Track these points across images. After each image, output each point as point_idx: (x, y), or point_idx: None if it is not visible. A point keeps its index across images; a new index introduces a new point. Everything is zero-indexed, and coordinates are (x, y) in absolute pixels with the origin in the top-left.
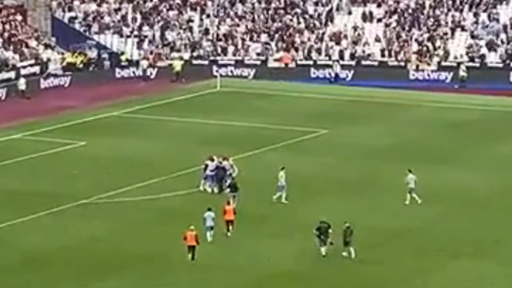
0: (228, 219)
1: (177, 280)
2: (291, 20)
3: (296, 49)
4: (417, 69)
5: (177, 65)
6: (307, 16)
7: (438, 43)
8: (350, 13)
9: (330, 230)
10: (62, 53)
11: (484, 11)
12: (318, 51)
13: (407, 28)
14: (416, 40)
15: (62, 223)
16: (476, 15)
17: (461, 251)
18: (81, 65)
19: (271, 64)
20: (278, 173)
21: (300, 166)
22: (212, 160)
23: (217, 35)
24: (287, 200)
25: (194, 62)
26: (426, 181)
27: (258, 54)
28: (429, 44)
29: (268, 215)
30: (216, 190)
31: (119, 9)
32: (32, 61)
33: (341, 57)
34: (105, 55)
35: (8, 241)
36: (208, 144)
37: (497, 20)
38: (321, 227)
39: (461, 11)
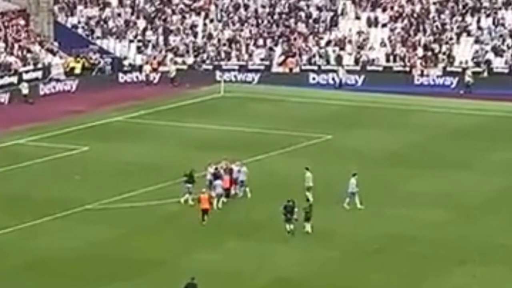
0: (204, 207)
1: (180, 286)
2: (295, 24)
3: (301, 54)
4: (422, 74)
5: (173, 70)
6: (311, 21)
7: (443, 48)
8: (358, 18)
9: (295, 209)
10: (65, 58)
11: (489, 16)
12: (322, 56)
13: (412, 33)
14: (421, 45)
15: (67, 228)
16: (481, 20)
17: (466, 256)
18: (83, 70)
19: (275, 69)
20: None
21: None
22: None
23: (219, 40)
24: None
25: (198, 67)
26: (431, 186)
27: (262, 59)
28: (436, 48)
29: (269, 220)
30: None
31: (122, 14)
32: (35, 66)
33: (344, 62)
34: (108, 60)
35: (14, 246)
36: (212, 149)
37: (503, 25)
38: (287, 206)
39: (466, 15)
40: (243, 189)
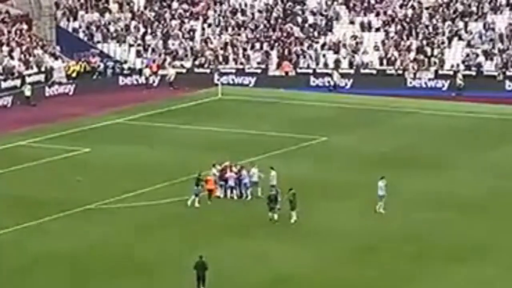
0: (209, 188)
1: (182, 284)
2: (291, 29)
3: (297, 57)
4: (414, 77)
5: (171, 73)
6: (306, 26)
7: (435, 51)
8: (352, 22)
9: (279, 198)
10: (66, 61)
11: (478, 20)
12: (317, 59)
13: (404, 37)
14: (413, 48)
15: (68, 228)
16: (471, 24)
17: (460, 255)
18: (84, 73)
19: (272, 72)
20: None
21: (300, 172)
22: (225, 169)
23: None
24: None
25: (196, 70)
26: (424, 185)
27: (258, 63)
28: (427, 51)
29: (264, 221)
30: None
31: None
32: (38, 69)
33: (340, 65)
34: (108, 64)
35: (17, 245)
36: (210, 151)
37: (493, 29)
38: (270, 195)
39: (457, 20)
40: (250, 190)
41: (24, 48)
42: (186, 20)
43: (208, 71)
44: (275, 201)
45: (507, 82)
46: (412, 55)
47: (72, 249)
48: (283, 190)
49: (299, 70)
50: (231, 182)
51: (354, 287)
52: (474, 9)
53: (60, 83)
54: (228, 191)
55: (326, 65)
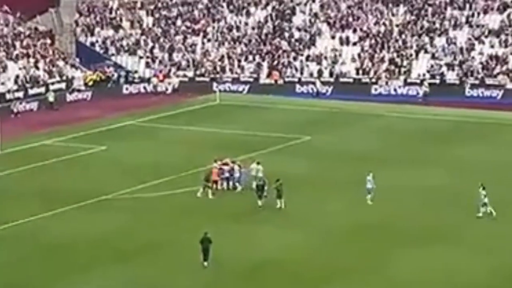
0: (214, 179)
1: (187, 258)
2: (279, 43)
3: (284, 68)
4: (386, 85)
5: (175, 82)
6: (293, 40)
7: (404, 63)
8: (332, 37)
9: (265, 187)
10: (84, 71)
11: (441, 35)
12: (302, 69)
13: (378, 50)
14: (385, 60)
15: (88, 216)
16: (436, 39)
17: (429, 240)
18: (100, 82)
19: (263, 81)
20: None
21: (287, 168)
22: (226, 164)
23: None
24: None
25: (197, 79)
26: (396, 180)
27: (251, 73)
28: (398, 62)
29: (258, 211)
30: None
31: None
32: (59, 78)
33: (322, 75)
34: (121, 73)
35: (41, 231)
36: (210, 148)
37: (455, 44)
38: (258, 184)
39: (424, 35)
40: (245, 183)
41: (48, 60)
42: (188, 36)
43: (207, 79)
44: (262, 190)
45: (467, 89)
46: (384, 65)
47: (92, 234)
48: (271, 181)
49: (286, 79)
50: (226, 174)
51: (336, 269)
52: (437, 26)
53: (79, 90)
54: (225, 183)
55: (310, 74)
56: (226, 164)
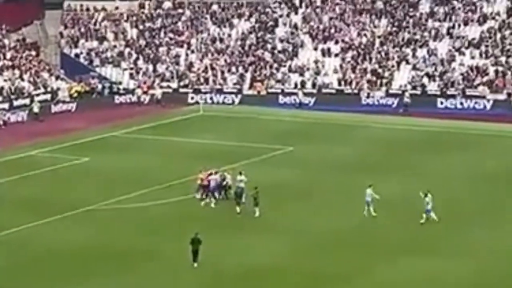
0: (203, 184)
1: (177, 275)
2: (262, 54)
3: (267, 79)
4: (368, 96)
5: (159, 93)
6: (276, 52)
7: (386, 74)
8: (315, 49)
9: (243, 194)
10: (69, 83)
11: (422, 47)
12: (285, 81)
13: (360, 61)
14: (367, 71)
15: (73, 226)
16: (417, 50)
17: (410, 249)
18: (84, 93)
19: (246, 92)
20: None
21: (271, 177)
22: (210, 174)
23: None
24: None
25: (181, 90)
26: (377, 188)
27: (234, 84)
28: (380, 73)
29: (245, 219)
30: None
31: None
32: (44, 90)
33: (304, 86)
34: (105, 85)
35: (25, 241)
36: (194, 159)
37: (435, 55)
38: (236, 191)
39: (405, 47)
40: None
41: (33, 71)
42: (172, 47)
43: (191, 90)
44: (240, 197)
45: (447, 100)
46: (366, 76)
47: (75, 244)
48: (250, 190)
49: (269, 90)
50: (213, 184)
51: (321, 276)
52: (418, 37)
53: (64, 102)
54: (216, 193)
55: (293, 85)
56: (211, 174)
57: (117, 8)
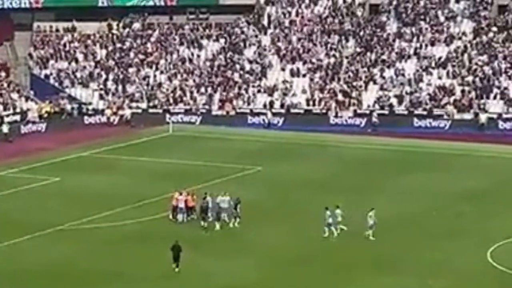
0: (191, 205)
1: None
2: (231, 75)
3: (236, 99)
4: (336, 115)
5: (128, 113)
6: (244, 72)
7: (354, 94)
8: (283, 69)
9: (209, 208)
10: (39, 104)
11: (390, 67)
12: (254, 101)
13: (328, 81)
14: (336, 91)
15: (43, 246)
16: (385, 71)
17: (381, 267)
18: (54, 114)
19: (215, 112)
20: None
21: (239, 197)
22: (181, 194)
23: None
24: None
25: (150, 110)
26: (345, 208)
27: (203, 104)
28: (348, 94)
29: (216, 237)
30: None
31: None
32: (14, 111)
33: (273, 106)
34: (75, 105)
35: None
36: (163, 179)
37: (403, 75)
38: (202, 206)
39: (373, 67)
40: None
41: (3, 92)
42: (141, 68)
43: (160, 111)
44: (206, 212)
45: (415, 119)
46: (334, 97)
47: (44, 265)
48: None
49: (238, 110)
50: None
51: None
52: (386, 57)
53: (33, 122)
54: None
55: (261, 105)
56: (189, 194)
57: (86, 29)
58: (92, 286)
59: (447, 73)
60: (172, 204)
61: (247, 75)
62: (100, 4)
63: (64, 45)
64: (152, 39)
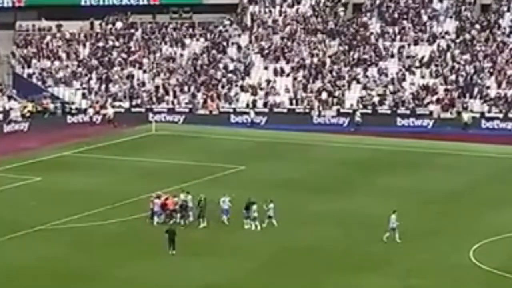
0: (173, 208)
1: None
2: (214, 73)
3: (219, 98)
4: (319, 115)
5: (110, 112)
6: (227, 71)
7: (337, 93)
8: (266, 68)
9: (189, 206)
10: (22, 103)
11: (373, 66)
12: (237, 100)
13: (311, 80)
14: (319, 90)
15: (22, 246)
16: (368, 70)
17: (361, 267)
18: (37, 113)
19: (198, 111)
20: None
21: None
22: (159, 197)
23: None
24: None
25: (133, 110)
26: (328, 207)
27: (186, 103)
28: (331, 93)
29: (201, 237)
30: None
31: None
32: None
33: (256, 105)
34: (57, 105)
35: None
36: (145, 179)
37: (386, 75)
38: (182, 204)
39: (356, 67)
40: (227, 217)
41: None
42: (124, 67)
43: (143, 110)
44: (186, 210)
45: (398, 119)
46: (317, 96)
47: (26, 264)
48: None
49: (221, 109)
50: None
51: None
52: (369, 56)
53: (16, 122)
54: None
55: (244, 104)
56: (174, 196)
57: (69, 28)
58: (72, 285)
59: (430, 72)
60: (150, 208)
61: (230, 74)
62: (83, 3)
63: (47, 44)
64: (135, 38)
